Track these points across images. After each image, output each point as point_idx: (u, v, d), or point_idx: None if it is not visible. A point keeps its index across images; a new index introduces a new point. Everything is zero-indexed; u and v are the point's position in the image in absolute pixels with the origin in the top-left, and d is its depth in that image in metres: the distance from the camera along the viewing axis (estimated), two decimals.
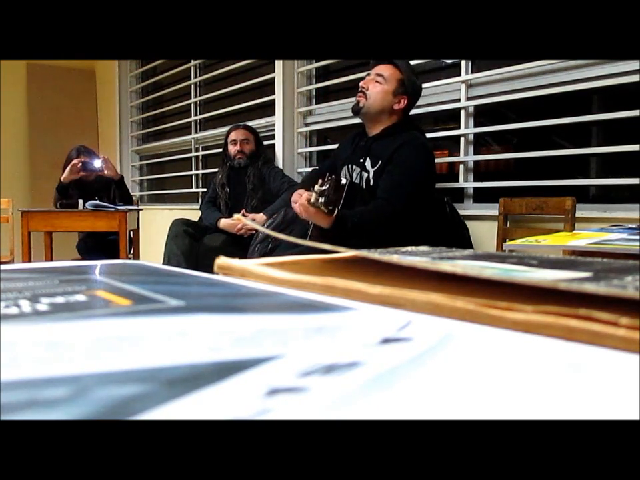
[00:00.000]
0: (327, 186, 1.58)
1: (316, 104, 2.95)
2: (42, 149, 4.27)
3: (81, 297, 0.25)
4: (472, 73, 2.20)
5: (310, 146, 2.99)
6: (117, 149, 4.35)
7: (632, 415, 0.13)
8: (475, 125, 2.23)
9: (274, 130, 3.00)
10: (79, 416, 0.12)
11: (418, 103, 2.06)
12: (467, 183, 2.22)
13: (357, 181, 1.93)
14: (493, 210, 2.00)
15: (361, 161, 1.94)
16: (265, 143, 2.88)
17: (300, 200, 1.71)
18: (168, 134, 4.08)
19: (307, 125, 2.97)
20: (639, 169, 1.65)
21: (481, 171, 2.30)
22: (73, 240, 3.19)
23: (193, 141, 3.76)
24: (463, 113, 2.22)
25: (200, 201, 3.10)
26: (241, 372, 0.15)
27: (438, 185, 2.23)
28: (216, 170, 2.88)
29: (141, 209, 3.32)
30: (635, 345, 0.18)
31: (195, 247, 2.50)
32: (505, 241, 1.87)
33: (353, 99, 2.07)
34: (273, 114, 2.99)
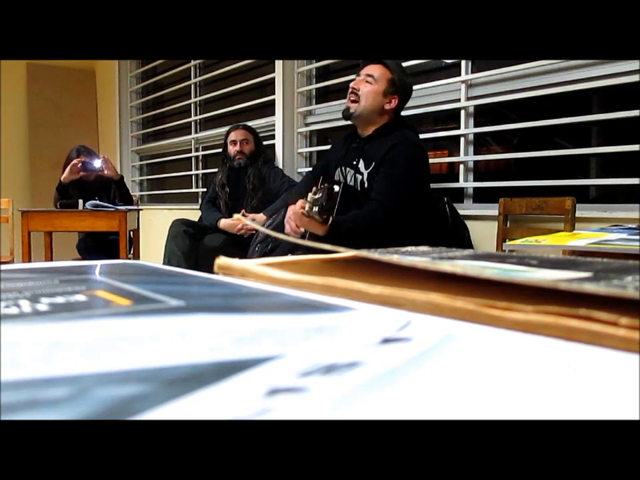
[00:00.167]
0: (320, 194, 1.56)
1: (316, 104, 2.95)
2: (42, 149, 4.27)
3: (80, 297, 0.25)
4: (472, 73, 2.20)
5: (310, 146, 2.99)
6: (117, 149, 4.35)
7: (632, 415, 0.13)
8: (475, 125, 2.23)
9: (274, 130, 3.00)
10: (79, 416, 0.12)
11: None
12: (467, 183, 2.22)
13: (351, 183, 1.92)
14: (492, 210, 2.00)
15: (354, 163, 1.93)
16: (265, 143, 2.88)
17: (294, 209, 1.71)
18: (168, 134, 4.08)
19: (306, 125, 2.97)
20: (639, 169, 1.65)
21: (481, 171, 2.30)
22: (73, 240, 3.19)
23: (192, 141, 3.76)
24: (462, 113, 2.22)
25: (200, 201, 3.10)
26: (241, 372, 0.15)
27: (438, 185, 2.23)
28: (216, 170, 2.88)
29: (141, 209, 3.33)
30: (634, 345, 0.18)
31: (194, 247, 2.50)
32: (505, 241, 1.87)
33: None
34: (273, 114, 2.99)
